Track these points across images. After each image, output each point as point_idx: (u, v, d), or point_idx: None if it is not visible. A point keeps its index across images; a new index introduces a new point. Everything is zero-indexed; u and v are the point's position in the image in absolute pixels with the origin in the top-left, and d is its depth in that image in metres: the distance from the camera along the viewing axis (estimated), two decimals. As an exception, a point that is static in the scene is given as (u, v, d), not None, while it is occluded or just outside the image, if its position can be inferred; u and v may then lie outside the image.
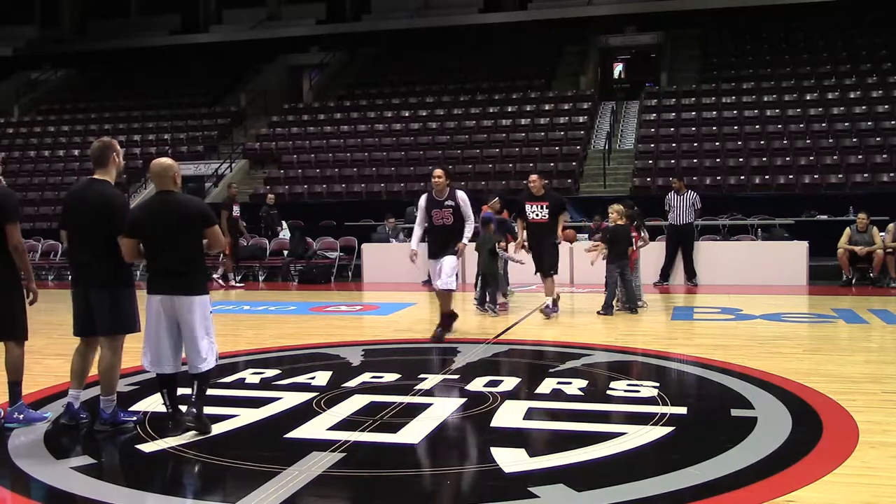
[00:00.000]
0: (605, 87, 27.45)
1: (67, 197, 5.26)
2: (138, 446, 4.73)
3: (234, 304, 12.28)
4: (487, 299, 10.52)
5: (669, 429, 4.91)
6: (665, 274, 14.08)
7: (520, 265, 11.08)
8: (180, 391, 5.09)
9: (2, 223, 5.06)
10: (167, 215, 4.90)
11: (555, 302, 10.16)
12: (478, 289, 10.97)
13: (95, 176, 5.12)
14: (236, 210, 15.39)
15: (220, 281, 14.93)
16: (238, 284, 15.19)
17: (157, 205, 4.97)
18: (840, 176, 17.92)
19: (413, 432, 4.89)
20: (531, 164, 19.99)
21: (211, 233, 4.99)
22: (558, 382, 6.22)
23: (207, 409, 5.16)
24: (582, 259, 14.23)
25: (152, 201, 5.02)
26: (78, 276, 5.13)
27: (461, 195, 8.37)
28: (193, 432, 4.84)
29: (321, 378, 6.46)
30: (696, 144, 19.96)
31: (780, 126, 20.19)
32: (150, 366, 5.01)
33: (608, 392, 5.97)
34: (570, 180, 19.08)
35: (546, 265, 9.99)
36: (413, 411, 5.35)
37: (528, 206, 10.05)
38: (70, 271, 5.33)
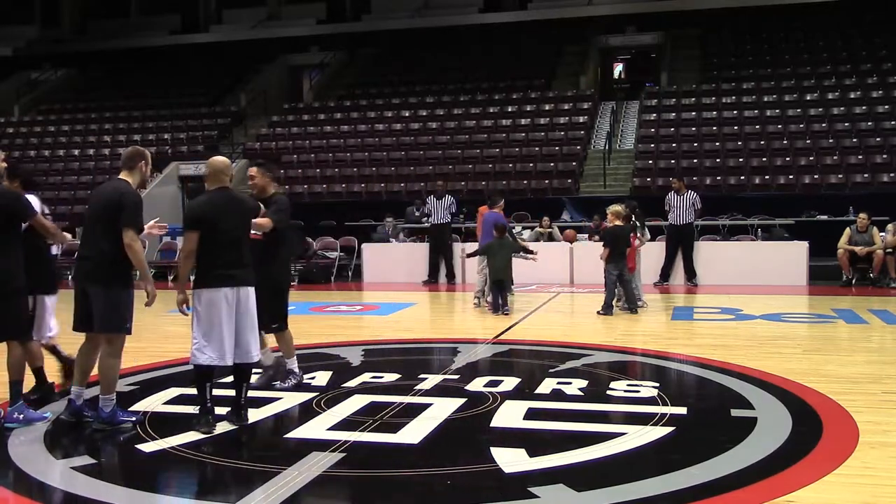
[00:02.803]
0: (605, 87, 27.41)
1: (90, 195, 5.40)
2: (138, 446, 4.73)
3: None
4: (501, 303, 10.49)
5: (669, 429, 4.91)
6: (665, 274, 14.08)
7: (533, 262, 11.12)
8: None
9: (17, 222, 5.11)
10: (234, 210, 5.10)
11: (278, 369, 6.18)
12: (486, 293, 10.87)
13: (120, 176, 5.20)
14: None
15: None
16: None
17: (223, 200, 5.09)
18: (840, 176, 17.91)
19: (413, 432, 4.89)
20: (531, 164, 20.01)
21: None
22: (558, 382, 6.22)
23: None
24: (582, 259, 14.27)
25: (216, 197, 5.12)
26: (77, 271, 5.15)
27: None
28: (194, 433, 4.86)
29: (321, 378, 6.46)
30: (696, 144, 19.95)
31: (780, 126, 20.18)
32: (215, 360, 4.95)
33: (608, 392, 5.97)
34: (570, 180, 19.07)
35: (267, 317, 5.81)
36: (413, 411, 5.35)
37: None
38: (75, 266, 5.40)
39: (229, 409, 5.15)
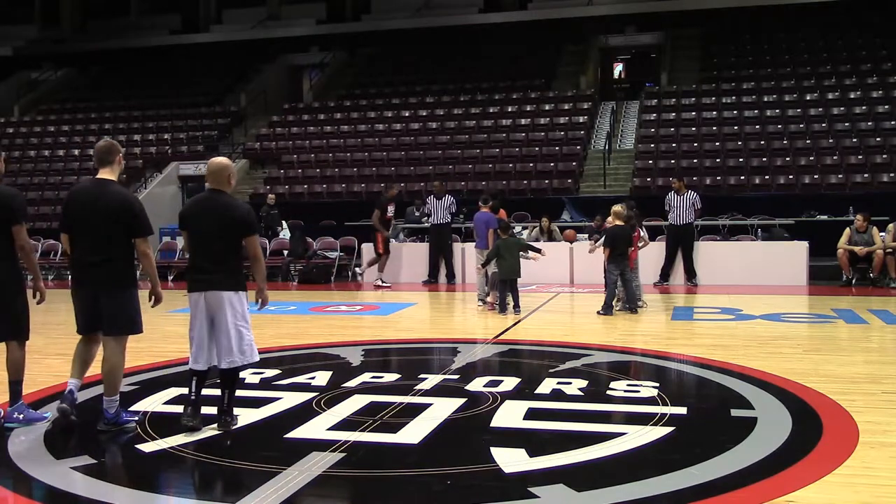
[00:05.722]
0: (605, 87, 27.42)
1: (73, 197, 5.11)
2: (138, 446, 4.73)
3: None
4: (514, 303, 10.48)
5: (669, 429, 4.91)
6: (665, 274, 14.09)
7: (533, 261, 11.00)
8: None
9: (9, 224, 5.07)
10: (211, 214, 5.01)
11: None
12: (492, 292, 10.84)
13: (103, 176, 5.09)
14: (391, 210, 14.97)
15: (381, 282, 14.70)
16: (384, 284, 14.68)
17: (205, 202, 5.08)
18: (840, 176, 17.91)
19: (413, 432, 4.88)
20: (531, 164, 20.01)
21: (249, 242, 5.06)
22: (558, 382, 6.22)
23: (207, 410, 5.16)
24: (582, 259, 14.27)
25: (202, 198, 5.13)
26: (86, 277, 5.03)
27: None
28: (193, 433, 4.86)
29: (321, 378, 6.46)
30: (696, 144, 19.95)
31: (780, 126, 20.18)
32: (190, 363, 5.03)
33: (608, 392, 5.97)
34: (570, 180, 19.08)
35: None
36: (413, 411, 5.35)
37: None
38: (74, 271, 5.16)
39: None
